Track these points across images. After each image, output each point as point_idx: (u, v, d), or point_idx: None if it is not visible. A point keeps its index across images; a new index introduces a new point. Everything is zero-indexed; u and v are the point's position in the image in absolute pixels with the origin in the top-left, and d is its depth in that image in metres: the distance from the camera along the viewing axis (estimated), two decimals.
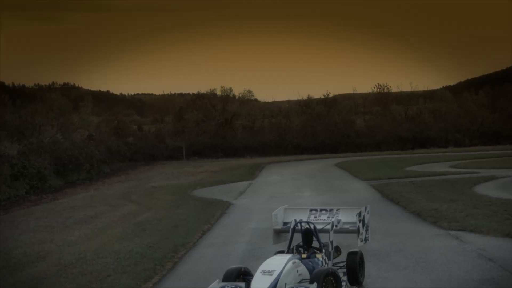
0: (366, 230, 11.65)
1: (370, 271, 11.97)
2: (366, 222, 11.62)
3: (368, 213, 11.69)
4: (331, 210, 11.88)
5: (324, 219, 11.61)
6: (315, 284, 9.35)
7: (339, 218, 11.59)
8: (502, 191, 24.84)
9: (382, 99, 78.73)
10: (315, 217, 11.72)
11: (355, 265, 10.90)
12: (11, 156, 35.98)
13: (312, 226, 11.01)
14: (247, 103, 75.18)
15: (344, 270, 10.96)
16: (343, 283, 10.49)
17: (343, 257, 11.32)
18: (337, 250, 11.33)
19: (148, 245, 15.64)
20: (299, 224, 11.15)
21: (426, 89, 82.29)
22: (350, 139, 67.75)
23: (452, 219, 17.88)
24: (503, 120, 73.33)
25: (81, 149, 44.92)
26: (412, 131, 69.15)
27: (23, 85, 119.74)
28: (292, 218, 11.51)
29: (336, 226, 11.33)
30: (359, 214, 11.39)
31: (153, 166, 55.30)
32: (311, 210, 11.99)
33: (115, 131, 65.25)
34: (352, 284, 10.89)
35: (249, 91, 72.10)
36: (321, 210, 11.92)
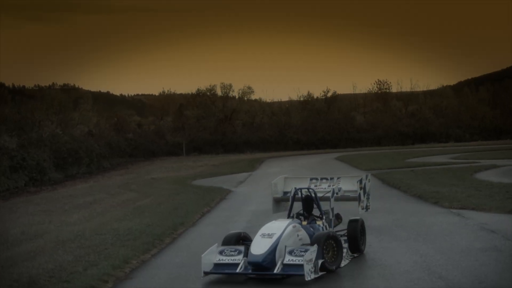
0: (367, 198, 11.55)
1: (372, 242, 11.84)
2: (367, 190, 11.52)
3: (369, 181, 11.59)
4: (331, 178, 11.76)
5: (325, 188, 11.49)
6: (315, 246, 9.23)
7: (339, 186, 11.47)
8: (503, 177, 24.67)
9: (382, 96, 78.47)
10: (315, 186, 11.61)
11: (356, 233, 10.76)
12: (10, 148, 35.89)
13: (312, 193, 10.88)
14: (247, 102, 75.00)
15: (345, 238, 10.84)
16: (344, 250, 10.36)
17: (344, 225, 11.20)
18: (338, 217, 11.21)
19: (147, 224, 15.49)
20: (299, 192, 11.02)
21: (426, 89, 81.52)
22: (350, 134, 67.63)
23: (454, 199, 17.77)
24: (504, 115, 73.19)
25: (80, 143, 44.83)
26: (412, 127, 69.02)
27: (23, 86, 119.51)
28: (292, 187, 11.39)
29: (337, 193, 11.21)
30: (360, 181, 11.28)
31: (153, 162, 55.16)
32: (311, 179, 11.88)
33: (114, 128, 65.11)
34: (353, 252, 10.76)
35: (249, 87, 71.84)
36: (321, 179, 11.81)
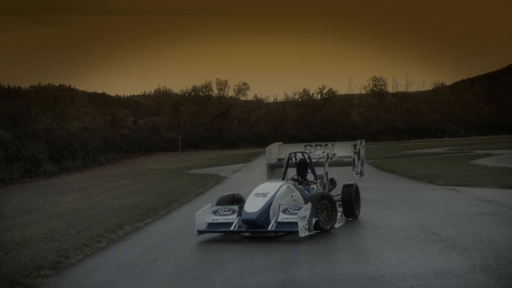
0: (362, 164, 11.52)
1: (367, 210, 11.84)
2: (361, 156, 11.49)
3: (363, 147, 11.56)
4: (326, 145, 11.73)
5: (319, 154, 11.46)
6: (309, 204, 9.19)
7: (334, 152, 11.44)
8: (498, 163, 24.71)
9: (378, 93, 78.37)
10: (310, 152, 11.57)
11: (351, 198, 10.73)
12: (5, 140, 35.77)
13: (306, 157, 10.84)
14: (243, 100, 74.80)
15: (340, 203, 10.81)
16: (338, 214, 10.33)
17: (338, 191, 11.17)
18: (332, 182, 11.18)
19: (142, 201, 15.47)
20: (293, 157, 10.98)
21: (421, 89, 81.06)
22: (346, 130, 67.55)
23: (449, 178, 17.79)
24: (499, 111, 73.29)
25: (76, 137, 44.67)
26: (408, 122, 69.02)
27: (19, 87, 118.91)
28: (287, 152, 11.35)
29: (331, 158, 11.18)
30: (354, 146, 11.25)
31: (149, 156, 55.06)
32: (305, 146, 11.85)
33: (110, 124, 64.89)
34: (347, 217, 10.73)
35: (245, 83, 71.56)
36: (316, 145, 11.78)
